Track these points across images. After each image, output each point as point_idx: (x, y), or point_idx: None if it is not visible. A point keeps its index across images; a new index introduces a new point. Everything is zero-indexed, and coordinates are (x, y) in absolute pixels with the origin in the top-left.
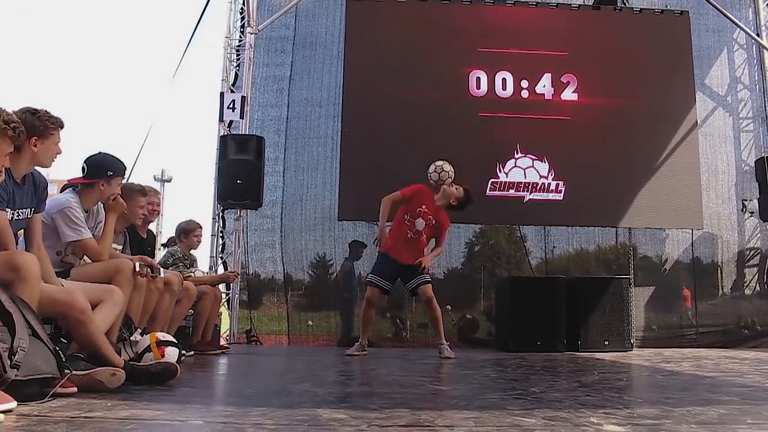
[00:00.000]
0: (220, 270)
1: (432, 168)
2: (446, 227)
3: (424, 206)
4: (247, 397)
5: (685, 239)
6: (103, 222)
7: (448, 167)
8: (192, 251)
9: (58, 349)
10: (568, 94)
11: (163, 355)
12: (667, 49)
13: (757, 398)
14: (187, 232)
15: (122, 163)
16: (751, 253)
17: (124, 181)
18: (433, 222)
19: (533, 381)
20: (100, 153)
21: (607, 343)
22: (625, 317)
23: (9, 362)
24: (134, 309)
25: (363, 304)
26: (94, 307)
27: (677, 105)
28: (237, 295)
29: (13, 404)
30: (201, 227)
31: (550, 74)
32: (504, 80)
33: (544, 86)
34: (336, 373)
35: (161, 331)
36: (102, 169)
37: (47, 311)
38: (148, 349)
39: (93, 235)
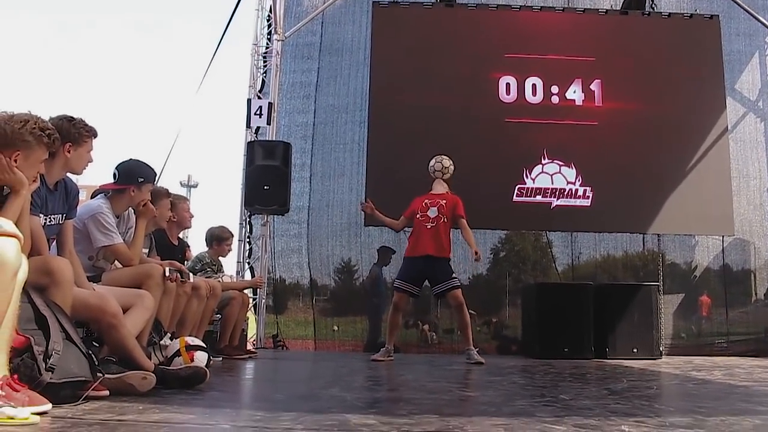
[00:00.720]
0: (247, 275)
1: (433, 162)
2: (459, 201)
3: (426, 200)
4: (276, 401)
5: (715, 246)
6: (134, 227)
7: (447, 162)
8: (220, 258)
9: (91, 352)
10: (596, 100)
11: (192, 359)
12: (696, 53)
13: None
14: (221, 240)
15: (152, 169)
16: None
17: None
18: (444, 202)
19: (562, 388)
20: (131, 160)
21: (635, 350)
22: (654, 325)
23: (44, 365)
24: (164, 313)
25: (390, 310)
26: (125, 311)
27: (707, 110)
28: (264, 300)
29: (48, 406)
30: (233, 236)
31: (577, 79)
32: (534, 86)
33: (574, 92)
34: (363, 378)
35: (190, 336)
36: (133, 175)
37: (80, 315)
38: (177, 353)
39: (124, 240)
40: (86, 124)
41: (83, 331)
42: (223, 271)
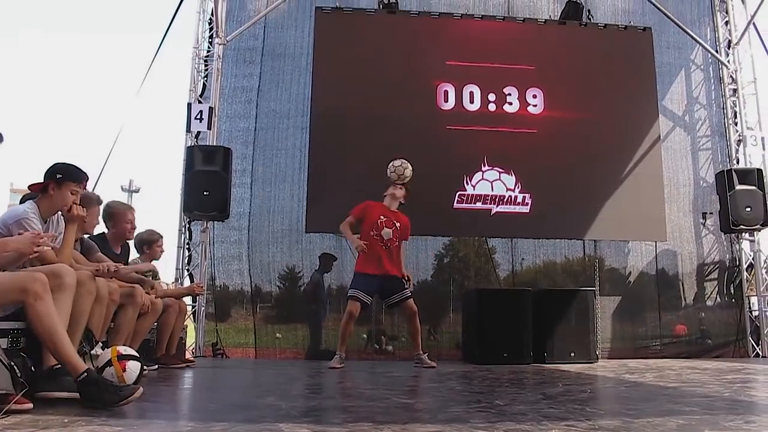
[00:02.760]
0: (186, 282)
1: (393, 167)
2: (408, 225)
3: (381, 216)
4: (209, 411)
5: (648, 252)
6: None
7: (410, 171)
8: (154, 262)
9: (13, 364)
10: (535, 108)
11: (124, 369)
12: (631, 64)
13: (716, 408)
14: (150, 243)
15: (79, 169)
16: (710, 267)
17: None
18: (398, 225)
19: (498, 393)
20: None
21: (573, 354)
22: (591, 329)
23: None
24: (95, 321)
25: (344, 318)
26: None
27: (641, 119)
28: (203, 308)
29: None
30: (162, 237)
31: (516, 88)
32: (471, 93)
33: (510, 100)
34: (301, 386)
35: (123, 345)
36: (54, 172)
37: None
38: (109, 363)
39: (53, 248)
40: None
41: (7, 341)
42: (158, 278)
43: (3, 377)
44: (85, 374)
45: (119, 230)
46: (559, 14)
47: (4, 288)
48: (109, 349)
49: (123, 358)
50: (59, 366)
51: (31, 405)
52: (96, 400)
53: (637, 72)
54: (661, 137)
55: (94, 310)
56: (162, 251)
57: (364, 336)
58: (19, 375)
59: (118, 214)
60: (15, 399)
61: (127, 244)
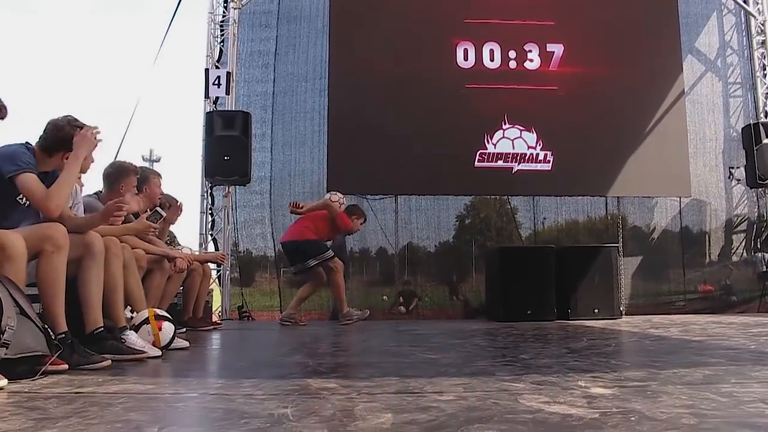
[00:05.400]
0: (210, 247)
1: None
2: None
3: None
4: (238, 369)
5: (673, 207)
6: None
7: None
8: (172, 227)
9: (47, 326)
10: (555, 64)
11: (160, 329)
12: (653, 16)
13: (741, 359)
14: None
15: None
16: (738, 220)
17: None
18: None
19: (523, 348)
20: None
21: (596, 311)
22: (614, 285)
23: None
24: (134, 290)
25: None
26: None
27: (664, 72)
28: (228, 272)
29: (3, 382)
30: (161, 176)
31: (536, 44)
32: (491, 51)
33: (531, 57)
34: (327, 344)
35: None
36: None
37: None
38: (146, 321)
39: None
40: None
41: (40, 306)
42: (178, 244)
43: (39, 339)
44: (63, 335)
45: (151, 194)
46: None
47: (30, 238)
48: (146, 309)
49: (159, 318)
50: (100, 329)
51: (66, 365)
52: (65, 357)
53: (660, 24)
54: (687, 89)
55: (126, 277)
56: (179, 213)
57: (385, 297)
58: (53, 337)
59: (147, 179)
60: (51, 360)
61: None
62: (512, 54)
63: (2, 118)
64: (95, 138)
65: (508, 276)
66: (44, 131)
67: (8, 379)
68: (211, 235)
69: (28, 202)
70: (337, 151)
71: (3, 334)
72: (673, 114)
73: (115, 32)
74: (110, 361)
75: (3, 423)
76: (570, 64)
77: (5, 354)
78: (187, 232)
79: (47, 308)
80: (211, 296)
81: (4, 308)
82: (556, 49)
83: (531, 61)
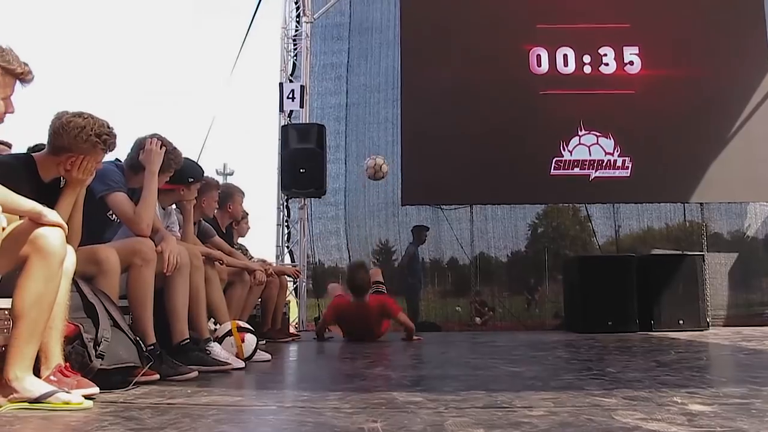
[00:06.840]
0: (287, 259)
1: None
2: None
3: None
4: (321, 381)
5: (762, 212)
6: (179, 223)
7: None
8: (241, 239)
9: (138, 339)
10: (632, 67)
11: (243, 341)
12: (735, 13)
13: None
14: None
15: (201, 168)
16: None
17: None
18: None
19: (608, 361)
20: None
21: (681, 322)
22: (700, 295)
23: (94, 352)
24: (217, 302)
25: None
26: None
27: (750, 72)
28: (304, 284)
29: (95, 389)
30: (244, 194)
31: (612, 48)
32: (565, 56)
33: (606, 61)
34: (407, 357)
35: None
36: (183, 175)
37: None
38: (229, 333)
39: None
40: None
41: (129, 317)
42: (251, 255)
43: (131, 351)
44: (152, 346)
45: (234, 211)
46: None
47: (121, 252)
48: (229, 321)
49: (242, 330)
50: (186, 341)
51: (157, 376)
52: (155, 368)
53: (743, 21)
54: None
55: (208, 291)
56: (248, 227)
57: (458, 308)
58: (144, 349)
59: (232, 195)
60: (142, 372)
61: (232, 226)
62: (587, 59)
63: (29, 82)
64: (159, 148)
65: (588, 286)
66: (131, 149)
67: (103, 389)
68: (288, 247)
69: (118, 219)
70: (411, 161)
71: (99, 346)
72: (760, 114)
73: (190, 41)
74: (197, 372)
75: None
76: (648, 67)
77: (101, 365)
78: (262, 244)
79: (137, 320)
80: (288, 308)
81: (100, 321)
82: (633, 51)
83: (606, 65)
